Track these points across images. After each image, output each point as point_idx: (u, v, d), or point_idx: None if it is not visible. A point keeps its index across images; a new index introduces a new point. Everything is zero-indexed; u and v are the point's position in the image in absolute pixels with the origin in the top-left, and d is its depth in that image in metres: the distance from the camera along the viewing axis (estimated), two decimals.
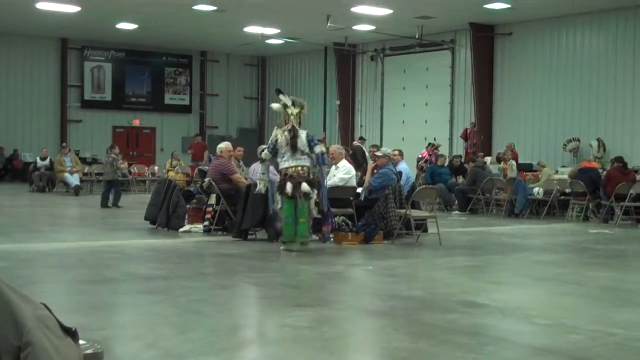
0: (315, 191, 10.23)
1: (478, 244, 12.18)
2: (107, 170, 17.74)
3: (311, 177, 10.25)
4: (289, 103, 10.46)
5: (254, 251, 10.27)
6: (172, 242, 11.18)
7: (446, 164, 20.02)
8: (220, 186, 11.93)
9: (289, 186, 10.08)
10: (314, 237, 11.15)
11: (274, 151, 10.45)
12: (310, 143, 10.34)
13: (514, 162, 19.07)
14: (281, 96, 10.57)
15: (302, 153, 10.28)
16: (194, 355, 4.93)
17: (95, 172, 23.57)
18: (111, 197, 17.21)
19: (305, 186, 10.08)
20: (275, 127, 10.70)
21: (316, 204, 10.28)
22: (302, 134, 10.37)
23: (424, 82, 26.93)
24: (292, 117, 10.40)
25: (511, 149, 20.89)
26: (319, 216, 10.43)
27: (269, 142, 10.64)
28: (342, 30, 24.47)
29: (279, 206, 10.31)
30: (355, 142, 22.38)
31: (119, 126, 30.86)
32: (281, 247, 10.26)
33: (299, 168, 10.21)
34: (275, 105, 10.72)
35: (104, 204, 17.06)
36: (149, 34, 27.59)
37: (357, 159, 17.76)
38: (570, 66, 22.75)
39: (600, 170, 17.27)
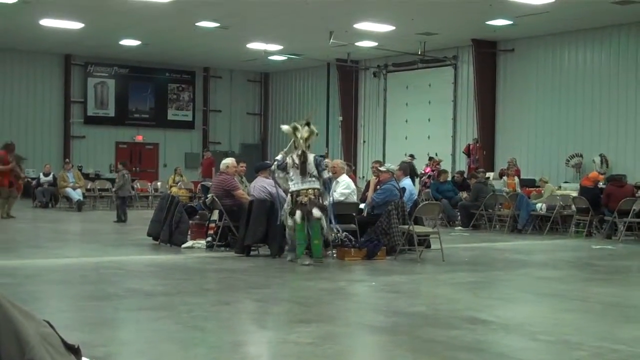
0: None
1: (481, 259, 12.16)
2: (126, 187, 18.15)
3: (322, 201, 10.39)
4: (304, 134, 10.59)
5: (256, 267, 10.26)
6: (175, 258, 11.17)
7: (448, 178, 20.00)
8: (223, 202, 11.93)
9: (298, 215, 10.28)
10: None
11: (282, 167, 10.67)
12: (318, 167, 10.60)
13: (517, 179, 19.08)
14: (307, 127, 10.77)
15: (311, 176, 10.46)
16: None
17: (98, 187, 23.61)
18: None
19: (316, 212, 10.28)
20: (282, 152, 10.92)
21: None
22: (310, 157, 10.62)
23: (426, 98, 26.99)
24: (301, 141, 10.56)
25: (513, 164, 20.87)
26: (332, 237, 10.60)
27: (280, 158, 10.81)
28: (345, 46, 24.56)
29: (291, 225, 10.47)
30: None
31: (122, 142, 30.93)
32: (302, 263, 10.33)
33: (310, 191, 10.34)
34: (285, 127, 10.86)
35: (120, 219, 17.52)
36: (152, 51, 27.71)
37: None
38: (573, 82, 22.80)
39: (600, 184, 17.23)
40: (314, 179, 10.50)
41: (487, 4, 19.06)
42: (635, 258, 13.12)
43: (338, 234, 11.04)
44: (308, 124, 10.84)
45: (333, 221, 10.71)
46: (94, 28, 23.36)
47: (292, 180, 10.56)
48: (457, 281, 9.43)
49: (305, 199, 10.35)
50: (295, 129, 10.75)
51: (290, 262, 10.48)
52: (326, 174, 10.71)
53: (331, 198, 11.40)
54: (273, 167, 10.94)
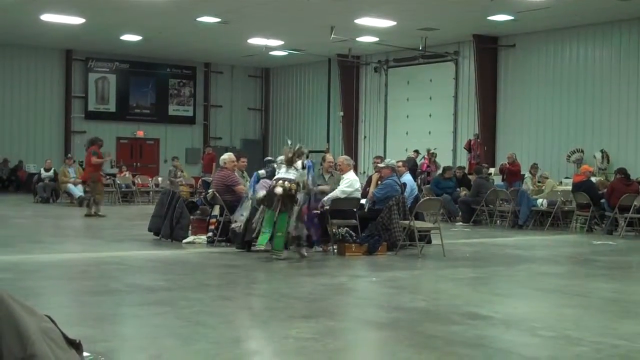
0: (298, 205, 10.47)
1: (482, 255, 12.16)
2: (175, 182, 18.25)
3: (293, 189, 10.39)
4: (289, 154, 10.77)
5: (257, 262, 10.26)
6: (176, 253, 11.19)
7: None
8: (223, 197, 11.94)
9: (260, 193, 10.47)
10: (318, 248, 11.23)
11: (271, 175, 10.88)
12: (303, 162, 10.75)
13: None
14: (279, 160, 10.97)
15: (295, 169, 10.58)
16: None
17: None
18: None
19: (278, 190, 10.26)
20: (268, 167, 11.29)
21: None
22: (299, 162, 10.75)
23: (427, 94, 26.98)
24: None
25: (512, 159, 20.83)
26: (295, 234, 10.49)
27: (269, 169, 11.13)
28: (346, 41, 24.54)
29: (244, 218, 10.75)
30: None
31: (123, 137, 30.92)
32: (273, 257, 10.38)
33: (286, 182, 10.37)
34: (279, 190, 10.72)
35: None
36: (153, 46, 27.69)
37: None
38: (574, 78, 22.78)
39: (594, 180, 17.12)
40: (294, 170, 10.57)
41: None
42: (636, 254, 13.12)
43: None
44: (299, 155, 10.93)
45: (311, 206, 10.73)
46: (95, 23, 23.35)
47: (278, 173, 10.73)
48: (458, 277, 9.43)
49: (279, 189, 10.37)
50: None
51: (284, 259, 10.43)
52: (307, 161, 10.81)
53: (331, 192, 11.45)
54: (261, 173, 11.00)
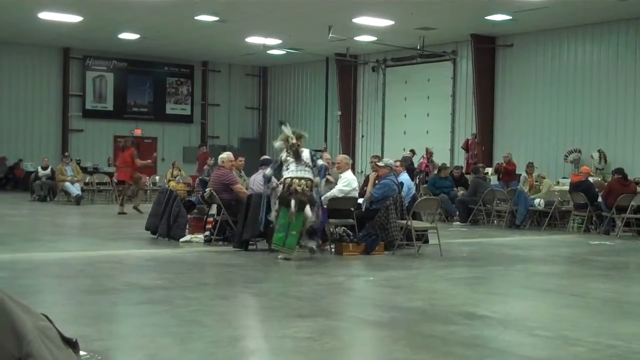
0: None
1: (479, 255, 12.16)
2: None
3: (314, 194, 10.36)
4: (290, 133, 10.65)
5: (254, 261, 10.26)
6: (173, 252, 11.17)
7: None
8: (221, 196, 11.93)
9: (293, 204, 10.19)
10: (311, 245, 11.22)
11: (278, 170, 10.66)
12: (313, 157, 10.67)
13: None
14: (283, 127, 10.84)
15: (306, 165, 10.46)
16: None
17: (96, 181, 23.61)
18: None
19: (307, 211, 10.21)
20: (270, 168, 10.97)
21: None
22: (305, 151, 10.70)
23: (425, 93, 26.98)
24: (294, 141, 10.64)
25: (508, 159, 20.84)
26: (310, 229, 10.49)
27: (274, 162, 10.92)
28: (344, 41, 24.53)
29: (275, 216, 10.47)
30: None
31: (120, 136, 30.80)
32: (279, 257, 10.33)
33: (303, 182, 10.31)
34: (278, 144, 10.82)
35: None
36: (151, 44, 27.66)
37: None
38: (572, 77, 22.79)
39: (592, 180, 17.12)
40: (308, 169, 10.51)
41: None
42: (633, 254, 13.13)
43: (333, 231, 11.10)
44: (294, 133, 10.86)
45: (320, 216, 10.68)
46: (92, 21, 23.32)
47: (287, 168, 10.54)
48: (455, 276, 9.43)
49: (299, 188, 10.31)
50: (286, 139, 10.76)
51: (291, 259, 10.40)
52: (320, 162, 10.76)
53: (328, 193, 11.42)
54: (268, 173, 10.87)
